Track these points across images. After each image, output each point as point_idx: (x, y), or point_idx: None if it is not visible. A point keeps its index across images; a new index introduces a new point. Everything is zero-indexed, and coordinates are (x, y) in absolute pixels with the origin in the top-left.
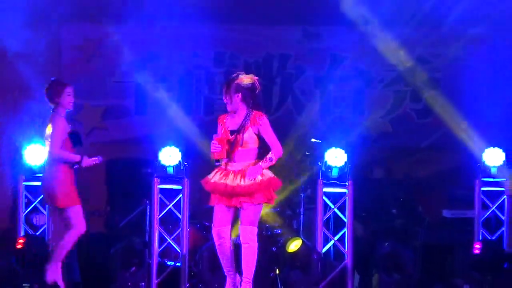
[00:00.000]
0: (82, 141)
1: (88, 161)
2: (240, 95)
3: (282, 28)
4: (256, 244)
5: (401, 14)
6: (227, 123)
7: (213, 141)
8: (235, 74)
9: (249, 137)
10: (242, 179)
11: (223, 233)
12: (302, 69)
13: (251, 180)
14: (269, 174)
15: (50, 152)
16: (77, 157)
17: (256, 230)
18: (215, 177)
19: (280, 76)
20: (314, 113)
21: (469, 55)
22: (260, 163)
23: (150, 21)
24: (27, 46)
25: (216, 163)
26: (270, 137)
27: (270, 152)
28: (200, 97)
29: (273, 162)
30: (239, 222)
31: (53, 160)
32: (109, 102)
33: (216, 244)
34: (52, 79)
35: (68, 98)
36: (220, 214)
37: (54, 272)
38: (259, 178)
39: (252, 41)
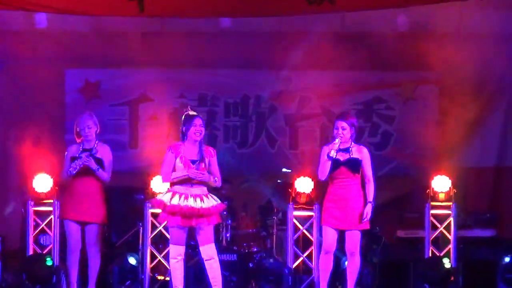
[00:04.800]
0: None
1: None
2: (204, 129)
3: (258, 73)
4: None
5: (361, 59)
6: (183, 152)
7: (197, 171)
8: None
9: (205, 166)
10: (202, 202)
11: (181, 252)
12: (274, 108)
13: (214, 202)
14: (217, 199)
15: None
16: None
17: (214, 245)
18: (173, 200)
19: (255, 115)
20: (284, 146)
21: (418, 96)
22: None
23: (143, 67)
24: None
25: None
26: (217, 168)
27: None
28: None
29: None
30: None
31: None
32: (106, 137)
33: (173, 261)
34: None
35: None
36: (180, 234)
37: None
38: (216, 201)
39: (232, 84)
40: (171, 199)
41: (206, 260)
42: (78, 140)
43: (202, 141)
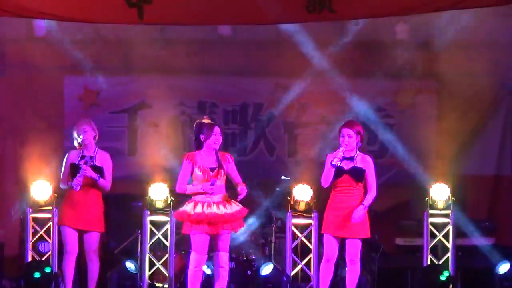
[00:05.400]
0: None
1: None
2: (222, 137)
3: (257, 81)
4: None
5: (359, 67)
6: (199, 161)
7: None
8: (210, 119)
9: (224, 173)
10: (225, 208)
11: (203, 261)
12: (273, 116)
13: (236, 207)
14: (239, 204)
15: None
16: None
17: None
18: (197, 208)
19: (254, 122)
20: (283, 154)
21: (417, 104)
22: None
23: (142, 74)
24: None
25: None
26: (237, 173)
27: (240, 188)
28: (185, 140)
29: None
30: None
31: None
32: (105, 145)
33: (193, 270)
34: None
35: None
36: (203, 242)
37: None
38: (239, 206)
39: (231, 92)
40: (194, 208)
41: (218, 267)
42: (79, 148)
43: (217, 149)
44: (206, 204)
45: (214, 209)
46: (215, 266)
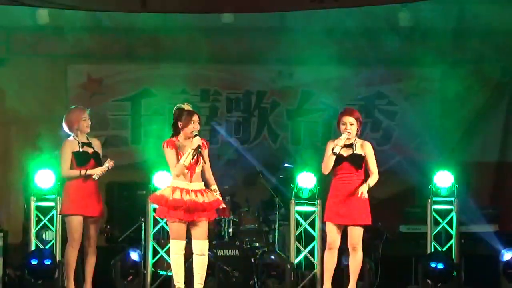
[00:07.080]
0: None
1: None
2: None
3: (260, 68)
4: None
5: (363, 55)
6: (179, 147)
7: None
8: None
9: (204, 158)
10: (203, 197)
11: (183, 247)
12: (276, 104)
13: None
14: (215, 195)
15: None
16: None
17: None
18: (175, 194)
19: (258, 110)
20: (286, 141)
21: (421, 91)
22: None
23: (145, 62)
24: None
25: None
26: (207, 160)
27: (214, 188)
28: None
29: None
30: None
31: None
32: (109, 133)
33: (175, 257)
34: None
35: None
36: (180, 229)
37: None
38: (214, 197)
39: (234, 80)
40: (172, 193)
41: (197, 255)
42: (73, 136)
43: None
44: (184, 191)
45: (192, 196)
46: (194, 254)
